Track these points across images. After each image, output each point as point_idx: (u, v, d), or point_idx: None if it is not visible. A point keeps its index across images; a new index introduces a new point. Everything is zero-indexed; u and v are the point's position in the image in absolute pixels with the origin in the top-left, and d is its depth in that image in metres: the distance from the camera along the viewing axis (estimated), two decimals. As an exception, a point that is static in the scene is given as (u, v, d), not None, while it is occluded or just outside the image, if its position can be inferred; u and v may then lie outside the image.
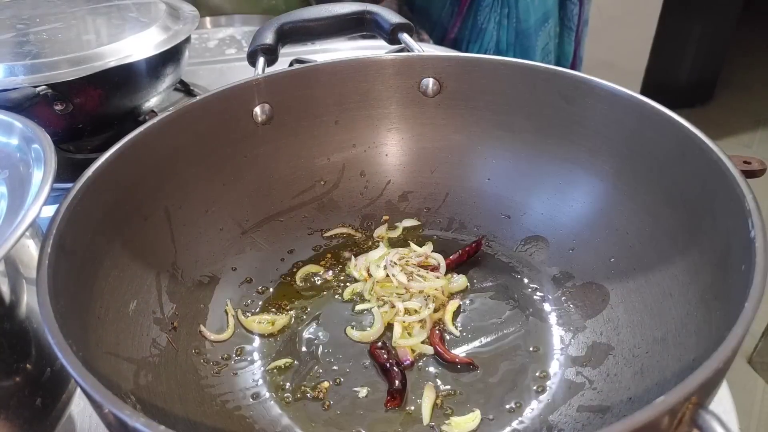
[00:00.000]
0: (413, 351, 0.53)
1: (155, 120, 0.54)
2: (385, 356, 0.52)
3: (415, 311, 0.56)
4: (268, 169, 0.63)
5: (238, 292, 0.59)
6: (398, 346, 0.54)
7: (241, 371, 0.52)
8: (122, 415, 0.31)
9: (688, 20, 2.38)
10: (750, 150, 2.46)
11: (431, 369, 0.52)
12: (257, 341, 0.55)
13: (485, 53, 1.42)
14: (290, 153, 0.64)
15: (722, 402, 0.50)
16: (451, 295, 0.59)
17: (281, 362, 0.53)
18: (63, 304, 0.38)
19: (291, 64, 0.80)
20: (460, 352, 0.53)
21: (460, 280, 0.60)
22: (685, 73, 2.57)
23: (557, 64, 1.56)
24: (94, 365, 0.39)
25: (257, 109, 0.61)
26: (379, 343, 0.54)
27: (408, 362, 0.52)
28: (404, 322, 0.55)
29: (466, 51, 1.46)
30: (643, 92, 0.52)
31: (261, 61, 0.65)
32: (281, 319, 0.56)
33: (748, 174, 0.48)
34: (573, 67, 1.62)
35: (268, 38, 0.66)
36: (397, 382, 0.50)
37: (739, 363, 1.54)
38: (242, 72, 0.63)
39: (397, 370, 0.51)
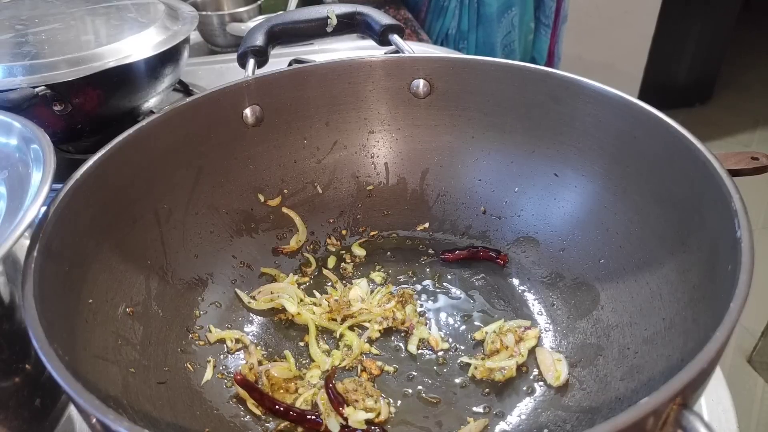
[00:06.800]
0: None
1: (144, 122, 0.54)
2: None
3: None
4: (259, 171, 0.63)
5: (229, 294, 0.59)
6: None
7: (229, 374, 0.52)
8: (106, 420, 0.31)
9: (687, 20, 2.38)
10: (749, 149, 2.45)
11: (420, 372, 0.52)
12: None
13: (447, 33, 1.42)
14: (281, 155, 0.64)
15: (722, 402, 0.49)
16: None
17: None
18: (50, 307, 0.38)
19: (290, 65, 0.80)
20: (448, 353, 0.53)
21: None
22: (684, 72, 2.56)
23: (530, 60, 1.52)
24: (81, 369, 0.39)
25: (247, 111, 0.61)
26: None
27: None
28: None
29: (430, 28, 1.47)
30: (642, 92, 0.52)
31: (251, 62, 0.65)
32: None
33: (757, 170, 0.48)
34: (549, 65, 1.59)
35: (258, 39, 0.66)
36: None
37: (739, 363, 1.53)
38: (242, 72, 0.63)
39: None
